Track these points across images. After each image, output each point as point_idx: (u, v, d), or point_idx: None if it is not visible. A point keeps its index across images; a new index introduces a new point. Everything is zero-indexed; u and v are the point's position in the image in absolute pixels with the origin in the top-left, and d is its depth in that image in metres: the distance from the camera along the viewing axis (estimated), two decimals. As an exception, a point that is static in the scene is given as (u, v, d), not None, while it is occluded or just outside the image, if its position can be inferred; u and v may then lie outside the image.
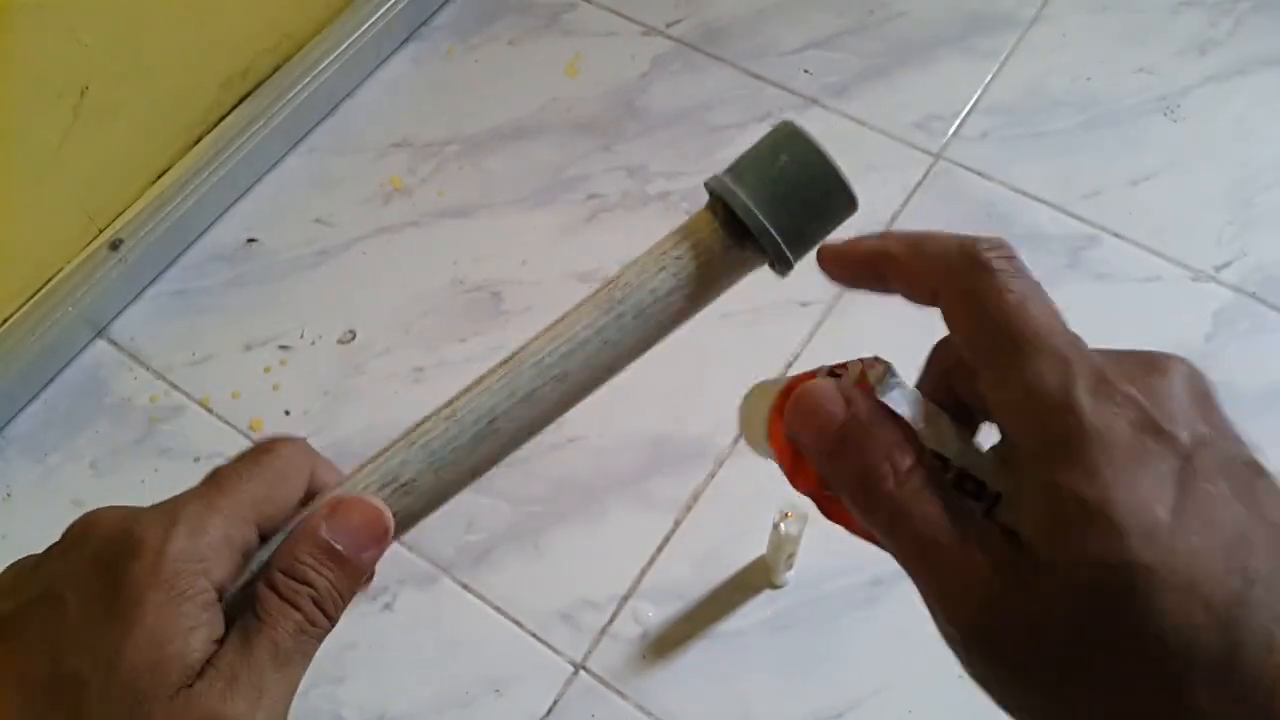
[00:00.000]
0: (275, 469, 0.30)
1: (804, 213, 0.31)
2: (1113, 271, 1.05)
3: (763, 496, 0.83)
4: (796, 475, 0.28)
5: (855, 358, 0.28)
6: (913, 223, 1.08)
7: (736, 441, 0.98)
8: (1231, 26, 1.21)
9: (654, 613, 0.91)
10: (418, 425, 0.32)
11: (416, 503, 0.31)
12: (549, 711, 0.88)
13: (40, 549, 0.29)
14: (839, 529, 0.29)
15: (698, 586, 0.92)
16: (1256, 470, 0.23)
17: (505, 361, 0.32)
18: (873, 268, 0.28)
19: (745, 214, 0.31)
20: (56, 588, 0.27)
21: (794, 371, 0.29)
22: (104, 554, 0.27)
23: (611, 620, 0.91)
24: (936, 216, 1.09)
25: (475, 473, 0.31)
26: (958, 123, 1.16)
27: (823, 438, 0.26)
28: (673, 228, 0.32)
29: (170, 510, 0.28)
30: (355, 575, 0.29)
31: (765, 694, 0.88)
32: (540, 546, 0.95)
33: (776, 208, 0.30)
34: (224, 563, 0.28)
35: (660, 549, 0.94)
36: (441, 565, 0.94)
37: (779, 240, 0.30)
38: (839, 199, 0.31)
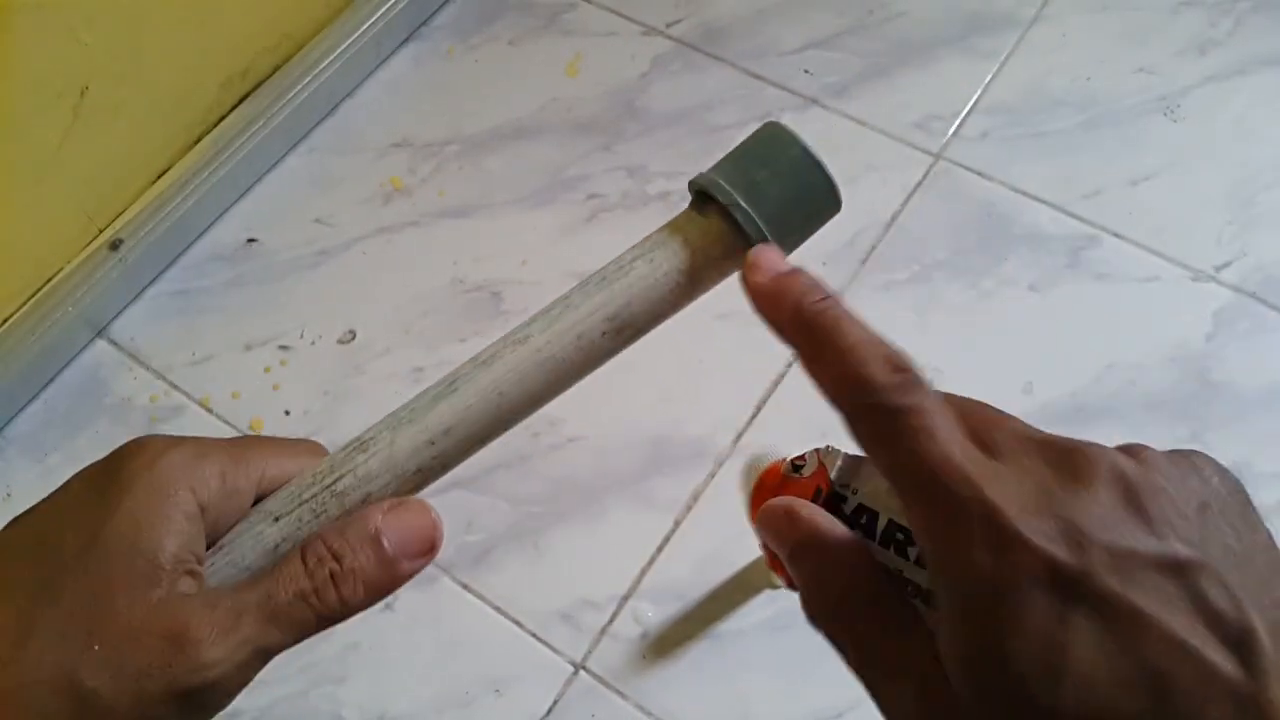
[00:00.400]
0: (293, 451, 0.31)
1: (764, 172, 0.31)
2: (1113, 271, 1.05)
3: (763, 496, 0.83)
4: (774, 565, 0.30)
5: (811, 448, 0.30)
6: (913, 223, 1.07)
7: (736, 441, 0.98)
8: (1231, 26, 1.21)
9: (654, 613, 0.91)
10: None
11: (370, 460, 0.31)
12: (549, 711, 0.88)
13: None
14: None
15: (698, 586, 0.92)
16: (1177, 570, 0.23)
17: None
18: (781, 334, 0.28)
19: (706, 181, 0.31)
20: (71, 480, 0.29)
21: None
22: (113, 456, 0.29)
23: (611, 620, 0.91)
24: (936, 216, 1.09)
25: (434, 437, 0.31)
26: (958, 123, 1.16)
27: (780, 550, 0.29)
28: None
29: (184, 436, 0.30)
30: (388, 571, 0.29)
31: (765, 694, 0.88)
32: (540, 546, 0.95)
33: (735, 170, 0.31)
34: (212, 492, 0.29)
35: (660, 549, 0.94)
36: (441, 565, 0.94)
37: (731, 192, 0.31)
38: (796, 157, 0.31)
